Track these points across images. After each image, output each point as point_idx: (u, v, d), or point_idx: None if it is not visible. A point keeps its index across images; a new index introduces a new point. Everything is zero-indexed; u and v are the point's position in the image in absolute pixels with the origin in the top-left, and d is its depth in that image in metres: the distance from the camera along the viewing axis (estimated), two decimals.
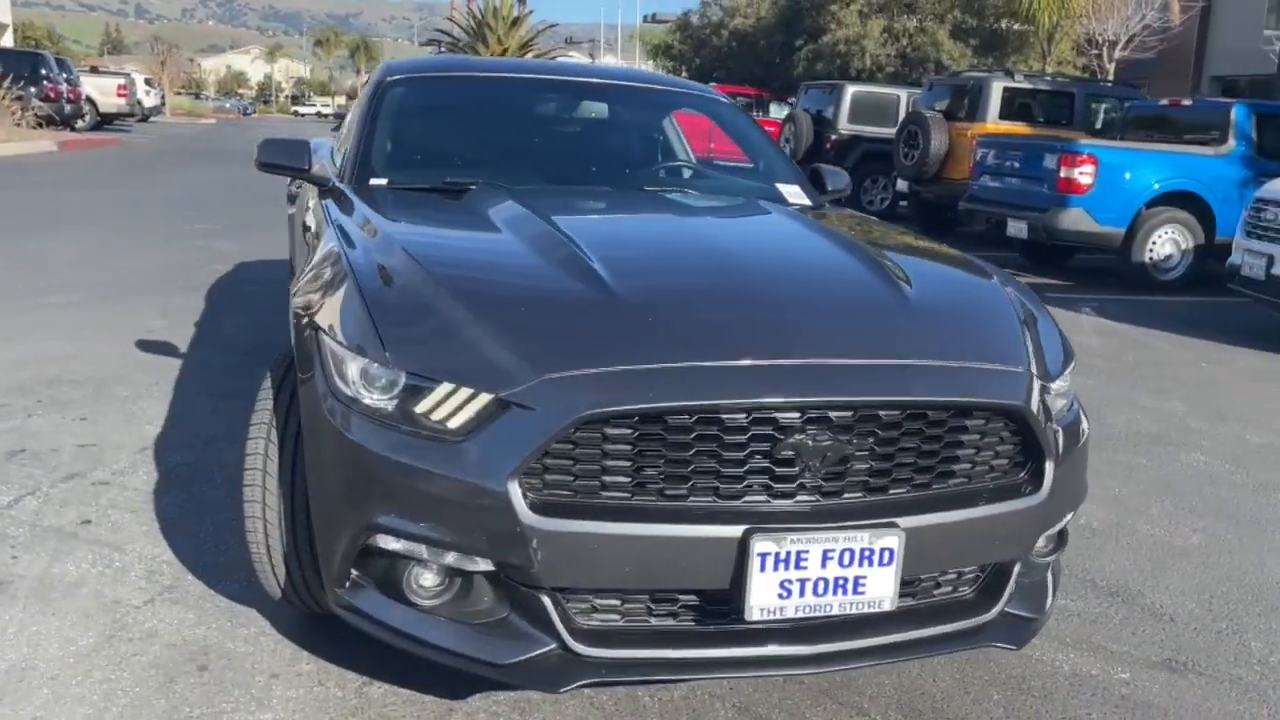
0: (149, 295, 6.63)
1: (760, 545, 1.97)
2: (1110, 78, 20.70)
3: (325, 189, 3.40)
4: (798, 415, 2.03)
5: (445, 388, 2.05)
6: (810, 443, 2.03)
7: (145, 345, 5.35)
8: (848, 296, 2.46)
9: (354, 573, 2.18)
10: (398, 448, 2.05)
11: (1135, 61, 22.46)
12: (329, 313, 2.31)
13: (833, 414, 2.05)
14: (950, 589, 2.31)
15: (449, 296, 2.24)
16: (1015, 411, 2.20)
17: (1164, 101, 11.81)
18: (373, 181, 3.32)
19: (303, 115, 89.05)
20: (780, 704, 2.41)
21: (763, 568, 1.99)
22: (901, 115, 15.01)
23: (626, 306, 2.22)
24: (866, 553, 2.04)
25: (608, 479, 2.01)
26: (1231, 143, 10.09)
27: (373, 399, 2.11)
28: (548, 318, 2.21)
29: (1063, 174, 9.74)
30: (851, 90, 16.10)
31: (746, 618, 2.02)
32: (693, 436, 2.01)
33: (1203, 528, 3.70)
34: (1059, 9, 21.48)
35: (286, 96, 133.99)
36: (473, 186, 3.25)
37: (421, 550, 2.08)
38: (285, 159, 3.44)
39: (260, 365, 5.04)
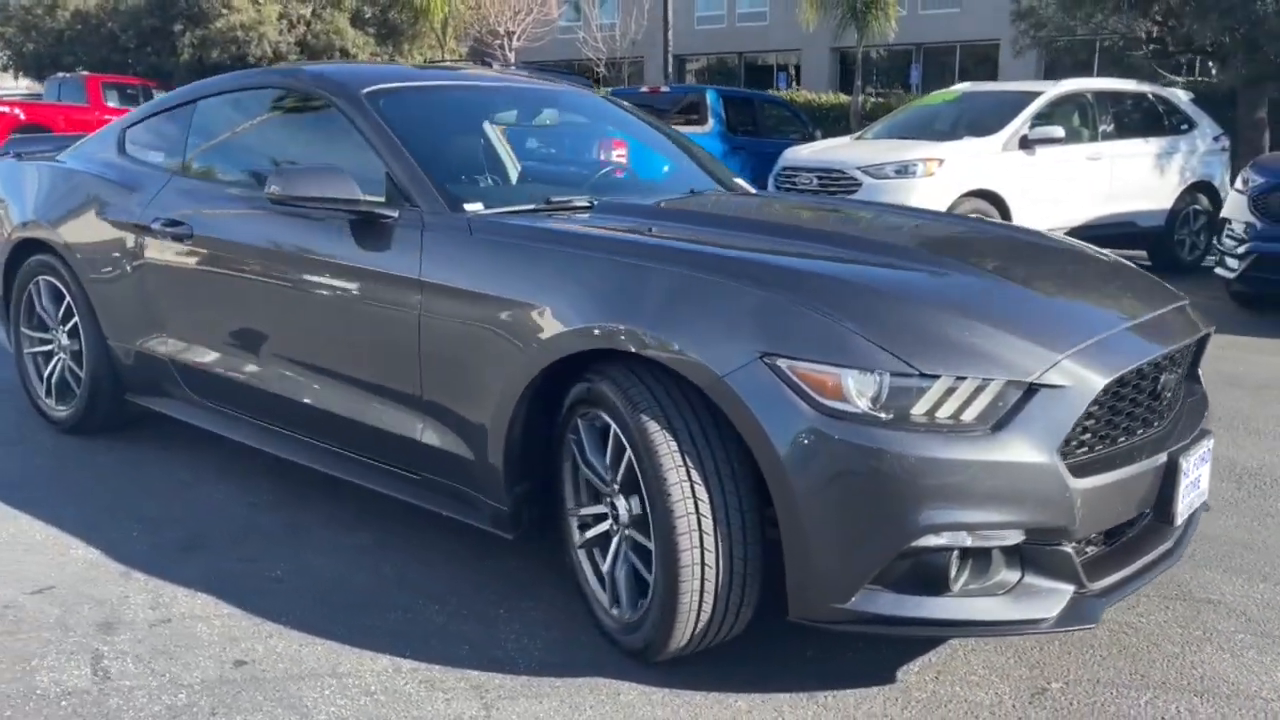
0: None
1: (1184, 464, 2.51)
2: (514, 65, 22.63)
3: (381, 222, 2.96)
4: (1161, 359, 2.57)
5: (945, 382, 2.21)
6: (1170, 378, 2.59)
7: None
8: (1099, 265, 3.00)
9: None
10: (939, 447, 2.18)
11: (529, 49, 24.78)
12: (778, 339, 2.26)
13: (1175, 355, 2.63)
14: None
15: (897, 303, 2.37)
16: (1208, 334, 2.98)
17: (644, 89, 13.57)
18: (468, 208, 2.98)
19: None
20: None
21: (1180, 480, 2.52)
22: None
23: (1016, 291, 2.56)
24: (1203, 455, 2.67)
25: (1085, 436, 2.37)
26: (710, 122, 12.04)
27: (878, 408, 2.20)
28: (989, 307, 2.42)
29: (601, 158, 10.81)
30: None
31: (1174, 523, 2.54)
32: (1129, 387, 2.46)
33: None
34: (447, 1, 22.84)
35: None
36: (588, 203, 3.12)
37: (964, 538, 2.23)
38: (326, 189, 2.92)
39: (49, 453, 3.95)
